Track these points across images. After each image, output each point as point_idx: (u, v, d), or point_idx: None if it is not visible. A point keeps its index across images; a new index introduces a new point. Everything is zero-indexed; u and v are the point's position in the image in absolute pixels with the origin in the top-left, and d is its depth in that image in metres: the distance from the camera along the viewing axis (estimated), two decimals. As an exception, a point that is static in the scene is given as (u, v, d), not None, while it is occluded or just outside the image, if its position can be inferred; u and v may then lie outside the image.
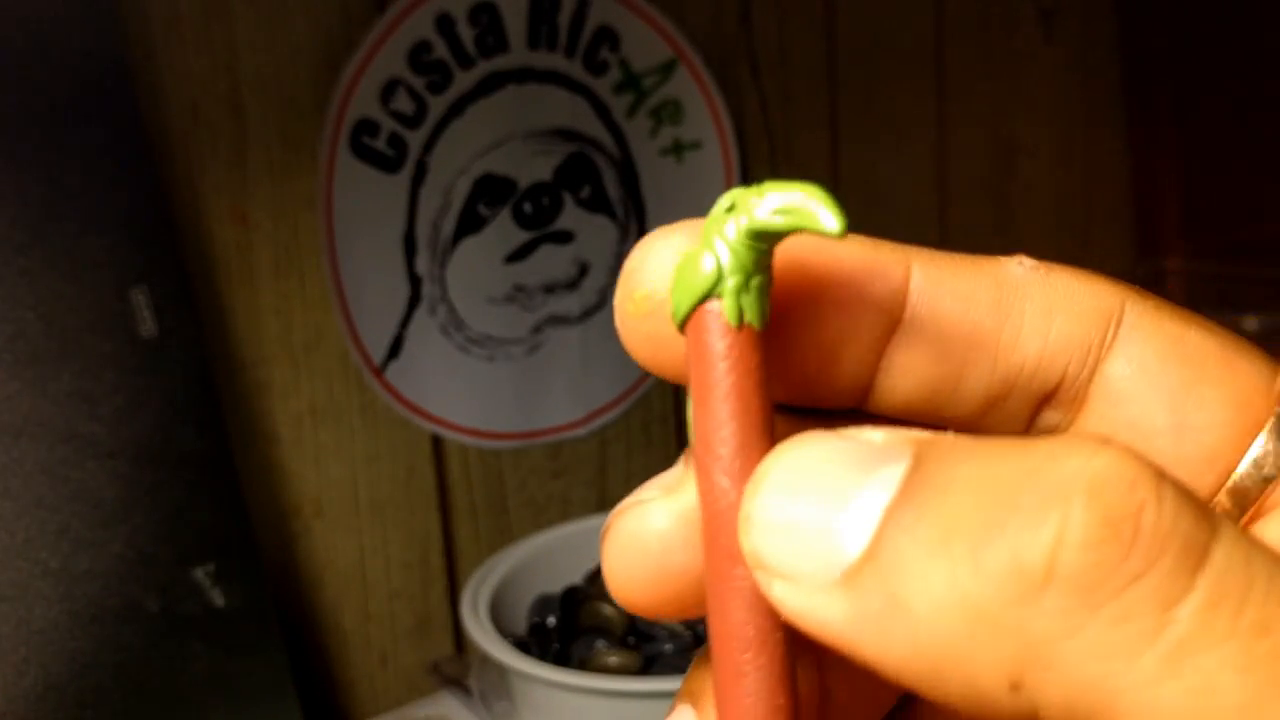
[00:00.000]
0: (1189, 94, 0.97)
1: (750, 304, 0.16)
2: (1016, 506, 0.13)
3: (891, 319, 0.18)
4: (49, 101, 0.53)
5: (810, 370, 0.18)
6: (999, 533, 0.13)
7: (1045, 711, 0.13)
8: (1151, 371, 0.18)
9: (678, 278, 0.16)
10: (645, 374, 0.75)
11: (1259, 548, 0.13)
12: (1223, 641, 0.13)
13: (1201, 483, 0.18)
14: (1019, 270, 0.18)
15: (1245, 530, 0.14)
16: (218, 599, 0.58)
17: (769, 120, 0.79)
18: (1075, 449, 0.14)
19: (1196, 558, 0.13)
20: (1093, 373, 0.18)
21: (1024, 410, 0.18)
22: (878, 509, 0.14)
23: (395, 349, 0.66)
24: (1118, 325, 0.18)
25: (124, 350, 0.55)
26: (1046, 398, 0.18)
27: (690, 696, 0.18)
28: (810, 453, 0.15)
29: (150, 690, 0.56)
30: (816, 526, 0.14)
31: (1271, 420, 0.18)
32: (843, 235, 0.15)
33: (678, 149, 0.74)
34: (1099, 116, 0.99)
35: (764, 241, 0.16)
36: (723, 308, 0.16)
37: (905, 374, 0.18)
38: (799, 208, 0.15)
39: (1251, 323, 0.91)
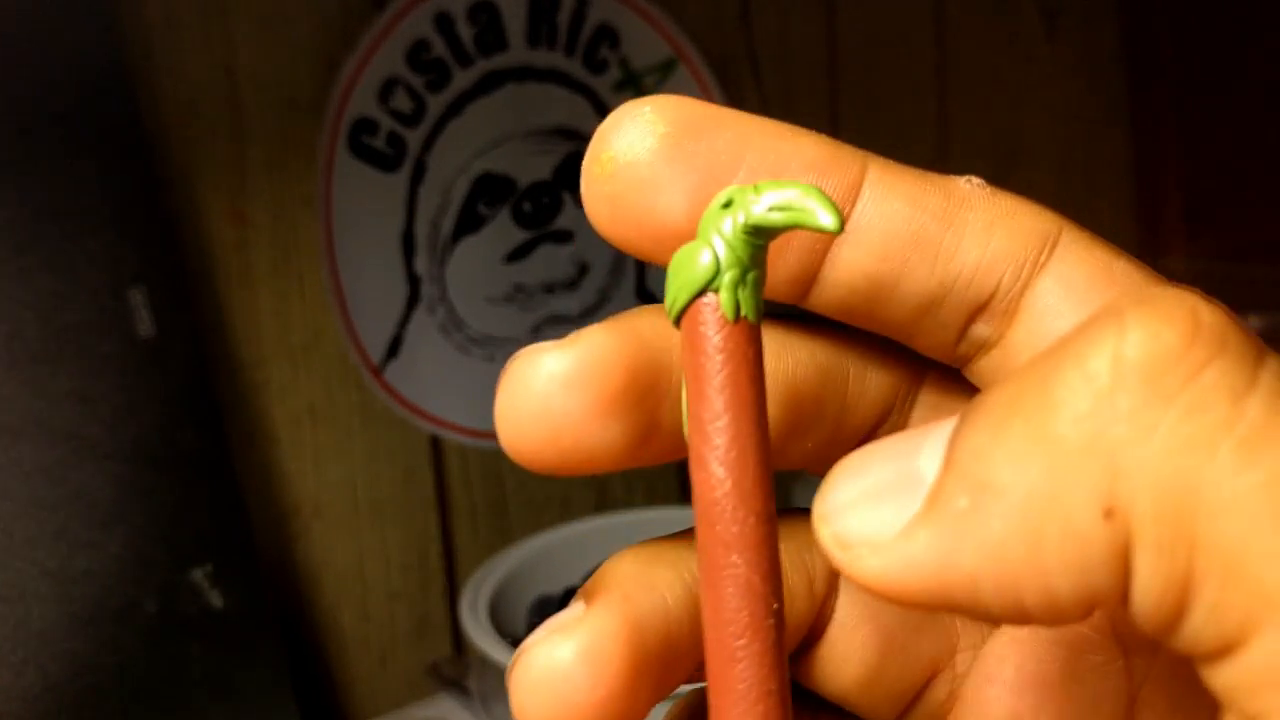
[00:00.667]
0: (1192, 93, 0.97)
1: (746, 298, 0.16)
2: (1074, 340, 0.14)
3: (844, 214, 0.18)
4: (45, 100, 0.53)
5: None
6: (1060, 365, 0.14)
7: (1138, 532, 0.13)
8: (1078, 291, 0.19)
9: (674, 271, 0.17)
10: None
11: None
12: None
13: None
14: (967, 187, 0.19)
15: None
16: (216, 600, 0.57)
17: (769, 118, 0.78)
18: (1122, 295, 0.14)
19: (1255, 355, 0.13)
20: (1024, 288, 0.19)
21: (957, 319, 0.19)
22: (945, 436, 0.15)
23: (394, 349, 0.66)
24: (1052, 247, 0.19)
25: (122, 350, 0.55)
26: (979, 309, 0.19)
27: (584, 594, 0.19)
28: (872, 444, 0.16)
29: (148, 691, 0.56)
30: (890, 479, 0.15)
31: None
32: (839, 231, 0.16)
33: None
34: (1101, 116, 0.99)
35: (760, 237, 0.16)
36: (719, 301, 0.16)
37: (848, 270, 0.19)
38: (796, 205, 0.16)
39: (1255, 322, 0.91)
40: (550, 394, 0.17)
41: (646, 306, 0.19)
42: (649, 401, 0.18)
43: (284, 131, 0.61)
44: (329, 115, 0.61)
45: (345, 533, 0.66)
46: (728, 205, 0.16)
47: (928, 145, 0.89)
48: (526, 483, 0.72)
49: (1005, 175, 0.93)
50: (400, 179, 0.65)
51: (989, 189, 0.19)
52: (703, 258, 0.16)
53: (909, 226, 0.18)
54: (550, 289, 0.70)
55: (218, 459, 0.58)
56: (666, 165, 0.18)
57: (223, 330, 0.61)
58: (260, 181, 0.61)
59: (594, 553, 0.69)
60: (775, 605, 0.16)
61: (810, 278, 0.19)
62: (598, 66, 0.70)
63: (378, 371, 0.65)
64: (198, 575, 0.57)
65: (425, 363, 0.67)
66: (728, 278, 0.16)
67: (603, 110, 0.70)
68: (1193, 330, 0.13)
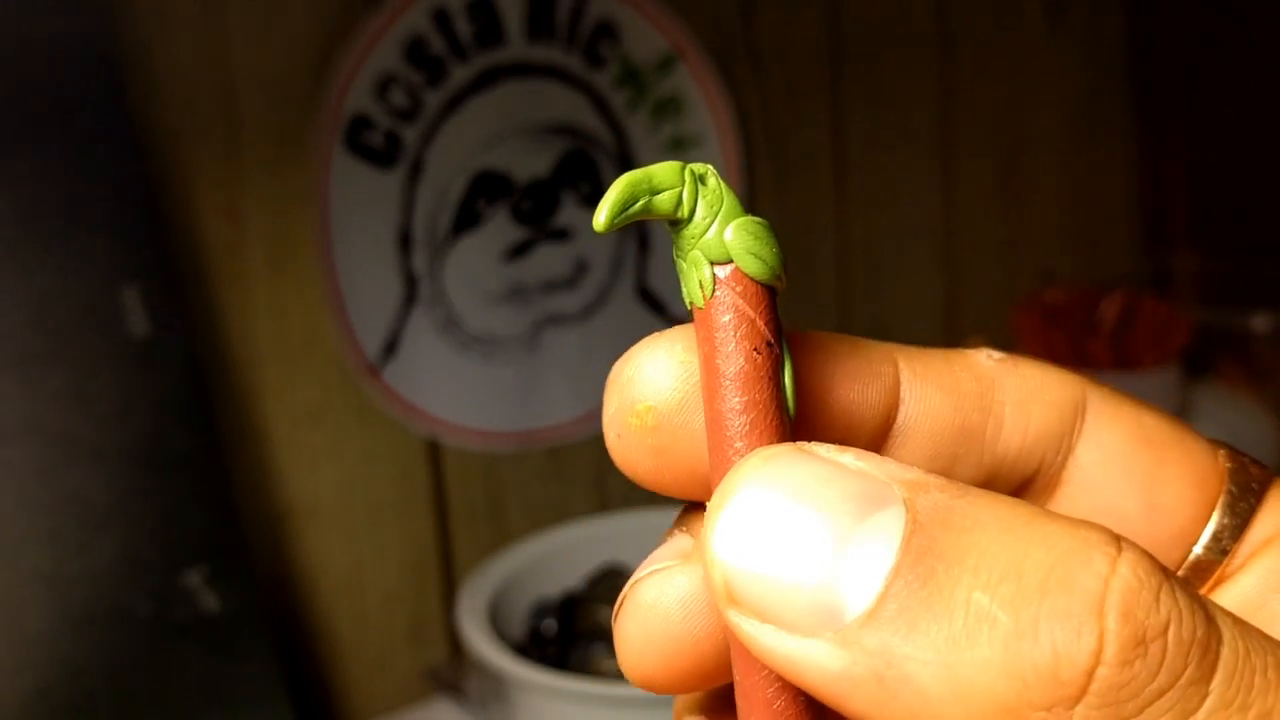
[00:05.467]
0: (1197, 89, 0.96)
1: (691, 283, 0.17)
2: (1051, 612, 0.14)
3: (889, 418, 0.19)
4: (39, 97, 0.53)
5: None
6: (1033, 634, 0.14)
7: None
8: (1120, 457, 0.19)
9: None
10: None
11: (1253, 636, 0.14)
12: None
13: (1170, 559, 0.19)
14: (989, 363, 0.19)
15: (1240, 621, 0.15)
16: (210, 603, 0.57)
17: (771, 116, 0.78)
18: (1095, 546, 0.14)
19: (1210, 664, 0.14)
20: (1065, 459, 0.19)
21: None
22: (880, 571, 0.14)
23: (391, 348, 0.65)
24: (1083, 413, 0.19)
25: (116, 350, 0.55)
26: (1023, 486, 0.19)
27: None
28: (788, 476, 0.15)
29: (142, 695, 0.55)
30: (810, 581, 0.14)
31: (1223, 497, 0.19)
32: (603, 230, 0.16)
33: (679, 145, 0.73)
34: (1106, 113, 0.98)
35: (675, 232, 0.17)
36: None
37: None
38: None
39: (1261, 321, 0.90)
40: (688, 618, 0.17)
41: None
42: None
43: (279, 129, 0.60)
44: (325, 112, 0.61)
45: (342, 535, 0.65)
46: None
47: (931, 142, 0.88)
48: (525, 484, 0.72)
49: (1010, 172, 0.93)
50: (397, 176, 0.64)
51: (1009, 360, 0.19)
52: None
53: (953, 420, 0.19)
54: (549, 287, 0.70)
55: (212, 460, 0.57)
56: None
57: (218, 330, 0.60)
58: (255, 179, 0.60)
59: (593, 555, 0.68)
60: None
61: None
62: (597, 62, 0.69)
63: (375, 371, 0.65)
64: (192, 578, 0.56)
65: (423, 362, 0.66)
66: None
67: (602, 106, 0.70)
68: (1161, 655, 0.14)
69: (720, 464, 0.16)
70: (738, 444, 0.16)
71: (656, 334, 0.18)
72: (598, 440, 0.73)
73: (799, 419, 0.17)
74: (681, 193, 0.17)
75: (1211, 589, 0.19)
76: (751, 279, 0.16)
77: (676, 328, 0.18)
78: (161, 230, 0.56)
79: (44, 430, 0.53)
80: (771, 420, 0.16)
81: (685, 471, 0.17)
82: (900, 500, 0.14)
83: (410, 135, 0.64)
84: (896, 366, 0.19)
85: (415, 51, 0.63)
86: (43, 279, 0.53)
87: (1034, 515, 0.15)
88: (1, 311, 0.52)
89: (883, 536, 0.14)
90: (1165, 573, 0.14)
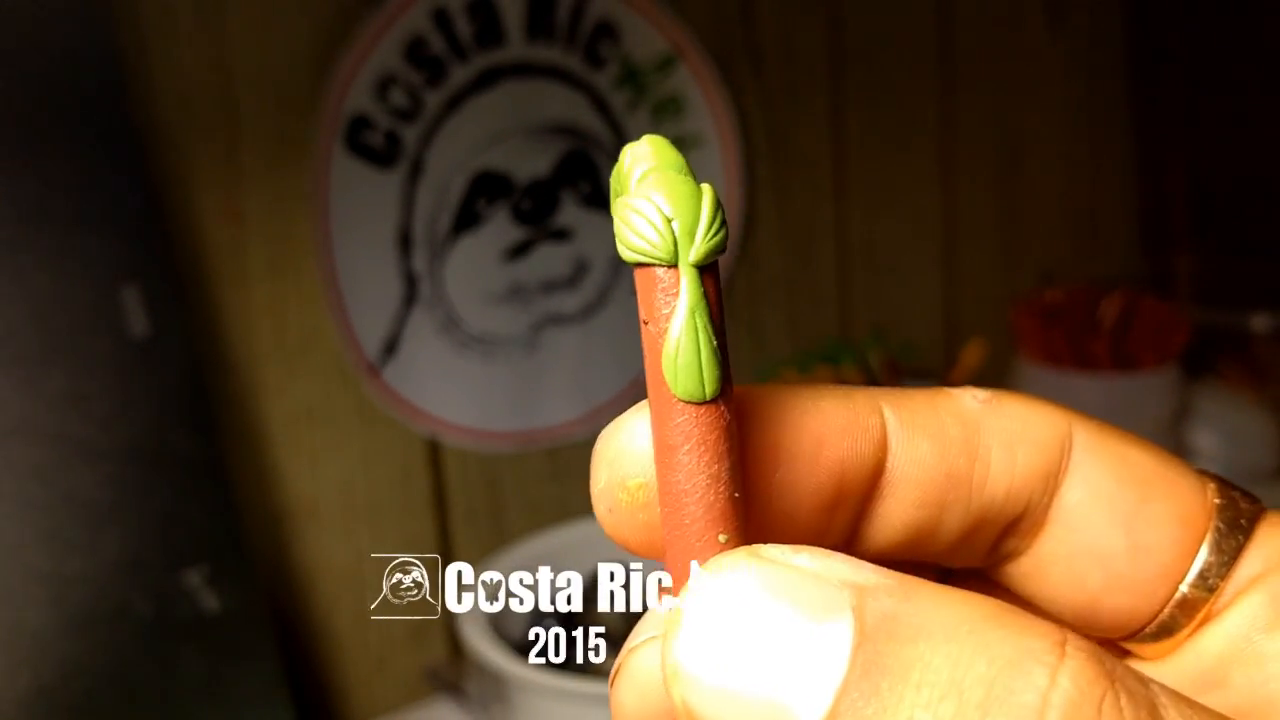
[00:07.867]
0: (1196, 89, 0.96)
1: None
2: None
3: (878, 470, 0.19)
4: (39, 97, 0.53)
5: (805, 526, 0.18)
6: None
7: None
8: (1105, 495, 0.19)
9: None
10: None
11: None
12: None
13: (1155, 598, 0.19)
14: (974, 405, 0.19)
15: (1187, 709, 0.14)
16: (210, 603, 0.57)
17: (771, 116, 0.78)
18: (1035, 657, 0.14)
19: None
20: (1051, 499, 0.19)
21: (989, 540, 0.20)
22: (829, 686, 0.14)
23: (391, 348, 0.65)
24: (1069, 451, 0.19)
25: (115, 350, 0.55)
26: (1010, 526, 0.19)
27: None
28: (743, 590, 0.15)
29: (142, 695, 0.55)
30: (762, 696, 0.14)
31: (1211, 534, 0.19)
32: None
33: (679, 145, 0.73)
34: (1106, 112, 0.98)
35: None
36: None
37: (890, 521, 0.19)
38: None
39: (1261, 321, 0.90)
40: None
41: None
42: None
43: (279, 129, 0.60)
44: (325, 112, 0.61)
45: (342, 534, 0.65)
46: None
47: (931, 141, 0.88)
48: (525, 484, 0.72)
49: (1010, 172, 0.93)
50: (397, 176, 0.64)
51: (994, 399, 0.19)
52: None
53: (940, 468, 0.19)
54: (549, 287, 0.70)
55: (212, 460, 0.57)
56: None
57: (217, 330, 0.60)
58: (255, 179, 0.60)
59: (593, 554, 0.68)
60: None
61: (850, 533, 0.19)
62: (597, 62, 0.69)
63: (375, 371, 0.65)
64: (192, 577, 0.56)
65: (423, 362, 0.66)
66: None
67: (602, 106, 0.70)
68: None
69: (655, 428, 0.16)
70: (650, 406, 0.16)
71: (642, 403, 0.18)
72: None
73: (779, 480, 0.18)
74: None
75: (1199, 627, 0.19)
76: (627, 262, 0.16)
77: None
78: (161, 230, 0.56)
79: (43, 430, 0.53)
80: (653, 391, 0.16)
81: None
82: (849, 608, 0.14)
83: (410, 135, 0.64)
84: (883, 416, 0.19)
85: (415, 51, 0.63)
86: (43, 279, 0.53)
87: (980, 620, 0.14)
88: (1, 311, 0.52)
89: (832, 649, 0.14)
90: (1110, 676, 0.14)
